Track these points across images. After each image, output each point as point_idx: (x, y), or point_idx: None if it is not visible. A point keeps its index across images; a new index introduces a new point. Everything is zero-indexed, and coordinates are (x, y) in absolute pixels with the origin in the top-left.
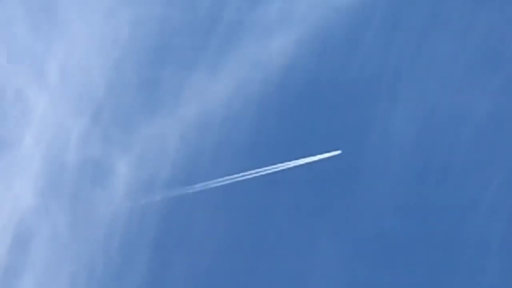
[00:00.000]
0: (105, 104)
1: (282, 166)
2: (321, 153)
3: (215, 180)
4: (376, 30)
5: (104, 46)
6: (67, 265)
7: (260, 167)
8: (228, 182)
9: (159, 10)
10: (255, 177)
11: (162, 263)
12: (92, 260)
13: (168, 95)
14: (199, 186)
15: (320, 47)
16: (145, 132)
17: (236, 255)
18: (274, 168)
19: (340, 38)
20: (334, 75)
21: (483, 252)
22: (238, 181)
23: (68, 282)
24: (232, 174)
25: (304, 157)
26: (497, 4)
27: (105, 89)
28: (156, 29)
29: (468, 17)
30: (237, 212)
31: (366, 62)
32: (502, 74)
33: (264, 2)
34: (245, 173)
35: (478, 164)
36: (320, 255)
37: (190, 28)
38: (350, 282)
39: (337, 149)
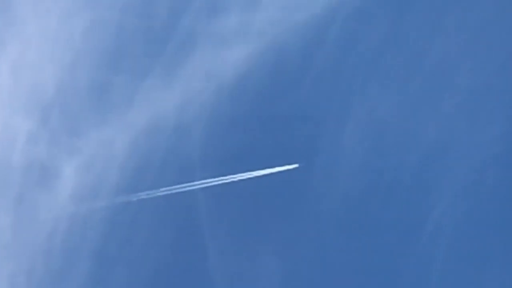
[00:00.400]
0: (55, 106)
1: (230, 178)
2: (270, 166)
3: (162, 189)
4: (330, 48)
5: (58, 48)
6: (7, 267)
7: (207, 178)
8: (174, 191)
9: (115, 15)
10: (201, 188)
11: (104, 269)
12: (32, 263)
13: (119, 101)
14: (145, 194)
15: (275, 62)
16: (94, 136)
17: (177, 265)
18: (221, 179)
19: (295, 54)
20: (287, 90)
21: (425, 272)
22: (185, 191)
23: (7, 284)
24: (179, 184)
25: (251, 170)
26: (452, 30)
27: (56, 91)
28: (112, 34)
29: (423, 41)
30: (181, 222)
31: (319, 79)
32: (453, 99)
33: (222, 14)
34: (192, 183)
35: (424, 187)
36: (260, 272)
37: (146, 35)
38: None
39: (289, 163)
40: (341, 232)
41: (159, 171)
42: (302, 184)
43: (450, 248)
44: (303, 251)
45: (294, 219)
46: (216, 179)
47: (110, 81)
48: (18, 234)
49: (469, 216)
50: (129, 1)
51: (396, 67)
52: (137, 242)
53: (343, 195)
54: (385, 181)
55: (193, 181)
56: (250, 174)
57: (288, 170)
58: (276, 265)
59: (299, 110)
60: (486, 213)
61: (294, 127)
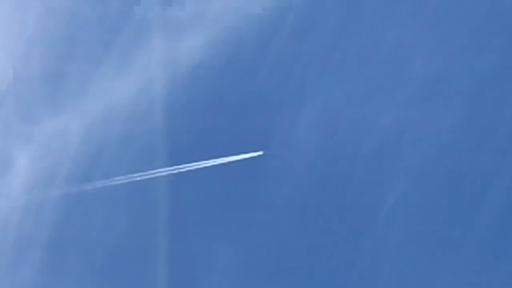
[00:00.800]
0: (8, 95)
1: (185, 167)
2: (224, 155)
3: (117, 178)
4: (286, 37)
5: (10, 36)
6: None
7: (163, 167)
8: (129, 180)
9: (69, 3)
10: (157, 176)
11: (57, 259)
12: None
13: (73, 89)
14: (99, 183)
15: (229, 51)
16: (47, 125)
17: (132, 254)
18: (177, 168)
19: (250, 43)
20: (242, 78)
21: (378, 258)
22: (140, 180)
23: None
24: (135, 172)
25: (207, 159)
26: (406, 18)
27: (8, 80)
28: (65, 22)
29: (377, 31)
30: (136, 211)
31: (274, 68)
32: (408, 88)
33: (177, 2)
34: (148, 172)
35: (378, 175)
36: (217, 258)
37: (100, 22)
38: None
39: (244, 152)
40: (296, 219)
41: (114, 160)
42: (258, 172)
43: (404, 235)
44: (259, 237)
45: (250, 207)
46: (172, 167)
47: (64, 69)
48: None
49: (423, 203)
50: None
51: (350, 55)
52: (91, 231)
53: (298, 182)
54: (340, 168)
55: (148, 170)
56: (204, 163)
57: (244, 159)
58: (233, 251)
59: (254, 98)
60: (440, 200)
61: (249, 115)
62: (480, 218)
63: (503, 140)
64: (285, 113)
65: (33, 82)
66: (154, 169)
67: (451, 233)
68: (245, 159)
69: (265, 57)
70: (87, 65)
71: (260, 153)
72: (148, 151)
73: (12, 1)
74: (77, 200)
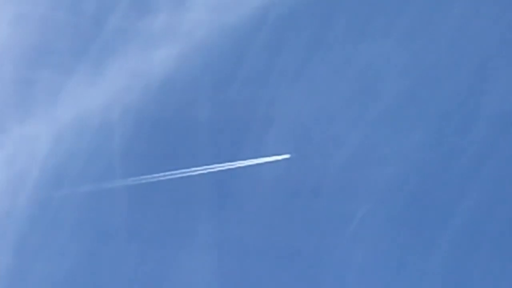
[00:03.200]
0: None
1: (154, 178)
2: (191, 166)
3: (85, 186)
4: (258, 51)
5: None
6: None
7: (132, 176)
8: (98, 189)
9: (42, 9)
10: (125, 186)
11: (24, 266)
12: None
13: (44, 97)
14: (68, 191)
15: (202, 63)
16: (17, 132)
17: (97, 263)
18: (145, 178)
19: (223, 56)
20: (214, 91)
21: (344, 274)
22: (109, 188)
23: None
24: (103, 181)
25: (177, 169)
26: (378, 36)
27: None
28: (37, 29)
29: (348, 48)
30: (103, 220)
31: (246, 81)
32: (376, 108)
33: (151, 13)
34: (115, 181)
35: (346, 191)
36: (182, 268)
37: (73, 31)
38: None
39: (211, 164)
40: (263, 234)
41: (83, 168)
42: (227, 185)
43: (370, 252)
44: (225, 252)
45: (217, 221)
46: (140, 177)
47: (35, 76)
48: None
49: (390, 221)
50: None
51: (322, 71)
52: (58, 239)
53: (266, 198)
54: (308, 185)
55: (116, 179)
56: (174, 174)
57: (211, 172)
58: (200, 263)
59: (225, 111)
60: (406, 218)
61: (220, 128)
62: (445, 237)
63: (470, 161)
64: (255, 126)
65: (3, 89)
66: (123, 178)
67: (417, 251)
68: (214, 171)
69: (237, 70)
70: (58, 73)
71: (230, 166)
72: (118, 161)
73: None
74: (45, 207)
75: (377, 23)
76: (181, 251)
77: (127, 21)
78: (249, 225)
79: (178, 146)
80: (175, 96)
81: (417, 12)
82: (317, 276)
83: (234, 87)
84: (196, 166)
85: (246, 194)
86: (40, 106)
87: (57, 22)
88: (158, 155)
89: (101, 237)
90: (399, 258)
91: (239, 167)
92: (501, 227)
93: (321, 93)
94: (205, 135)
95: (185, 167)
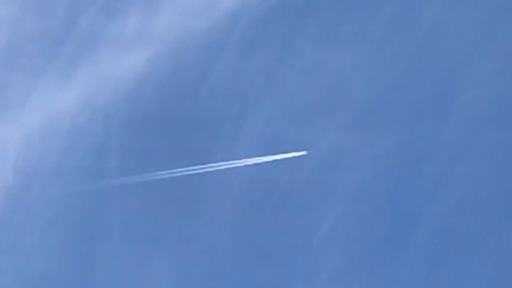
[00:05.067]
0: None
1: (124, 181)
2: (166, 169)
3: (54, 191)
4: (229, 55)
5: None
6: None
7: (101, 179)
8: (67, 193)
9: (13, 12)
10: (95, 189)
11: None
12: None
13: (14, 100)
14: (37, 195)
15: (173, 68)
16: None
17: (65, 269)
18: (115, 182)
19: (194, 60)
20: (185, 95)
21: (314, 279)
22: (78, 192)
23: None
24: (72, 186)
25: (146, 173)
26: (348, 43)
27: None
28: (8, 31)
29: (318, 54)
30: (72, 225)
31: (217, 85)
32: (347, 112)
33: (122, 17)
34: (85, 185)
35: (316, 197)
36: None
37: (43, 34)
38: None
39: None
40: (233, 238)
41: (52, 173)
42: (196, 189)
43: (340, 257)
44: (194, 254)
45: (186, 223)
46: (110, 181)
47: (5, 79)
48: None
49: (360, 226)
50: None
51: (292, 76)
52: (29, 238)
53: (236, 201)
54: (278, 188)
55: (86, 183)
56: (143, 177)
57: (182, 175)
58: (168, 266)
59: (196, 115)
60: (376, 223)
61: (190, 132)
62: (416, 240)
63: (440, 165)
64: (225, 132)
65: None
66: (92, 182)
67: (387, 255)
68: (184, 175)
69: (208, 75)
70: (28, 76)
71: (201, 169)
72: (88, 166)
73: None
74: (15, 208)
75: (347, 29)
76: (150, 251)
77: (98, 25)
78: (219, 229)
79: (148, 149)
80: (145, 100)
81: (387, 18)
82: (288, 279)
83: (205, 91)
84: (166, 169)
85: (217, 197)
86: (10, 109)
87: (27, 25)
88: (128, 158)
89: (70, 242)
90: (370, 261)
91: (210, 171)
92: (471, 230)
93: (292, 98)
94: (175, 139)
95: (155, 170)
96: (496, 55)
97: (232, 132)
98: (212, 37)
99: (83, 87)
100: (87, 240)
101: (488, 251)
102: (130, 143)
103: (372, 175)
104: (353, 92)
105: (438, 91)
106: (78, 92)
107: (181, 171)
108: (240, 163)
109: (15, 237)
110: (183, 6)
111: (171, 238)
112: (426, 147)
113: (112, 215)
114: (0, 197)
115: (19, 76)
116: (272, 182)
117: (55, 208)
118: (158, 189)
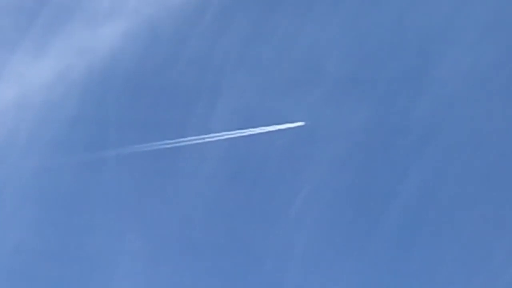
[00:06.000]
0: None
1: (100, 155)
2: (140, 143)
3: (28, 165)
4: (205, 30)
5: None
6: None
7: (76, 153)
8: (41, 166)
9: None
10: (70, 164)
11: None
12: None
13: None
14: (11, 168)
15: (147, 41)
16: None
17: (42, 239)
18: (91, 156)
19: (169, 34)
20: (159, 70)
21: (288, 253)
22: (52, 166)
23: None
24: (47, 160)
25: (121, 147)
26: (322, 20)
27: None
28: None
29: (293, 29)
30: (46, 199)
31: (191, 61)
32: (320, 88)
33: None
34: (60, 160)
35: (290, 171)
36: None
37: (16, 7)
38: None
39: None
40: (207, 212)
41: (26, 146)
42: (170, 163)
43: (314, 231)
44: (169, 229)
45: (160, 198)
46: (86, 155)
47: None
48: None
49: (334, 200)
50: None
51: (266, 52)
52: (4, 211)
53: (210, 176)
54: (252, 163)
55: (61, 157)
56: (118, 151)
57: (157, 149)
58: (142, 242)
59: (170, 89)
60: (350, 197)
61: (164, 106)
62: (389, 216)
63: (414, 140)
64: (200, 106)
65: None
66: (67, 156)
67: (361, 228)
68: (159, 149)
69: (183, 49)
70: (2, 49)
71: (176, 143)
72: (62, 139)
73: None
74: None
75: (321, 5)
76: (125, 224)
77: None
78: (194, 203)
79: (123, 123)
80: (119, 73)
81: None
82: (262, 252)
83: (180, 65)
84: (141, 143)
85: (190, 172)
86: None
87: None
88: (103, 131)
89: (43, 217)
90: (344, 235)
91: (185, 145)
92: (444, 205)
93: (266, 73)
94: (151, 112)
95: (131, 144)
96: (469, 30)
97: (207, 106)
98: (187, 10)
99: (56, 61)
100: (61, 212)
101: (460, 227)
102: (104, 117)
103: (346, 149)
104: (328, 66)
105: (412, 66)
106: (52, 66)
107: (157, 145)
108: (215, 136)
109: None
110: None
111: (146, 211)
112: (400, 121)
113: (86, 188)
114: None
115: None
116: (246, 158)
117: (30, 181)
118: (134, 162)
